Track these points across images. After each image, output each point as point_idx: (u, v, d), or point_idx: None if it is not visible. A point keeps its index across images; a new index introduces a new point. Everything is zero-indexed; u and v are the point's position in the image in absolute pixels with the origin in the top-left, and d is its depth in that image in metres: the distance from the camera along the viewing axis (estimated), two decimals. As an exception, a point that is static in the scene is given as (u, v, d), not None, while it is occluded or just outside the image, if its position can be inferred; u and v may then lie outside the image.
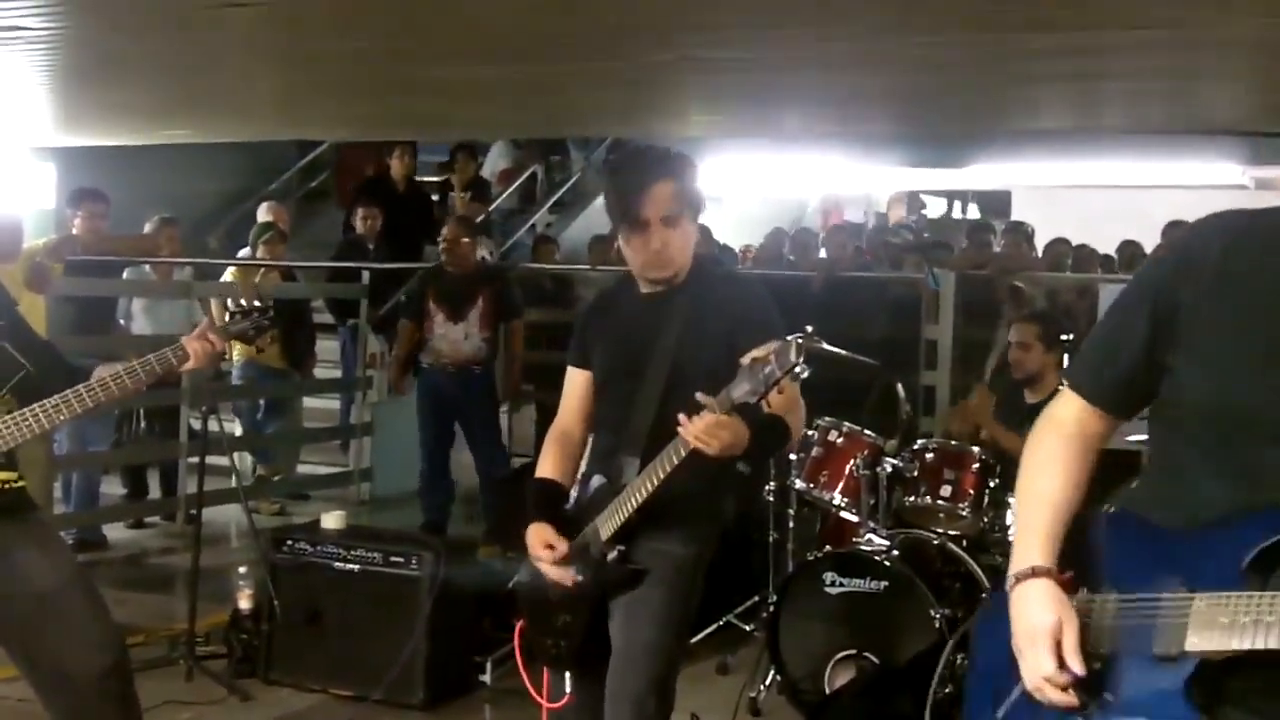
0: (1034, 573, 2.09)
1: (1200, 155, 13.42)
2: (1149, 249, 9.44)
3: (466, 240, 7.98)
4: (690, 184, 3.35)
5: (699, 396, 2.96)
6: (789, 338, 2.99)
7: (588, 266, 10.04)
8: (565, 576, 3.31)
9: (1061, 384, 2.27)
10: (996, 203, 15.72)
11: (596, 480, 3.37)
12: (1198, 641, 1.88)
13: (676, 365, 3.28)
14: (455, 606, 5.30)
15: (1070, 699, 2.00)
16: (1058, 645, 2.02)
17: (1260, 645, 1.81)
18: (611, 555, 3.24)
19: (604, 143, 13.45)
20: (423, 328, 7.92)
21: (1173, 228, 9.31)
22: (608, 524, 3.23)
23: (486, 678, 5.43)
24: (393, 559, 5.28)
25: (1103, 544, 2.13)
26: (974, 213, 16.46)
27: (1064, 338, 5.67)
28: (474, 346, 7.87)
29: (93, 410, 3.57)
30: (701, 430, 2.95)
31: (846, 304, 8.23)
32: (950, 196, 16.93)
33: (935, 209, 16.47)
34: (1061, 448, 2.18)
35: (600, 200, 13.28)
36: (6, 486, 3.55)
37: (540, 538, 3.34)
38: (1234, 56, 6.10)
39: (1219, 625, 1.86)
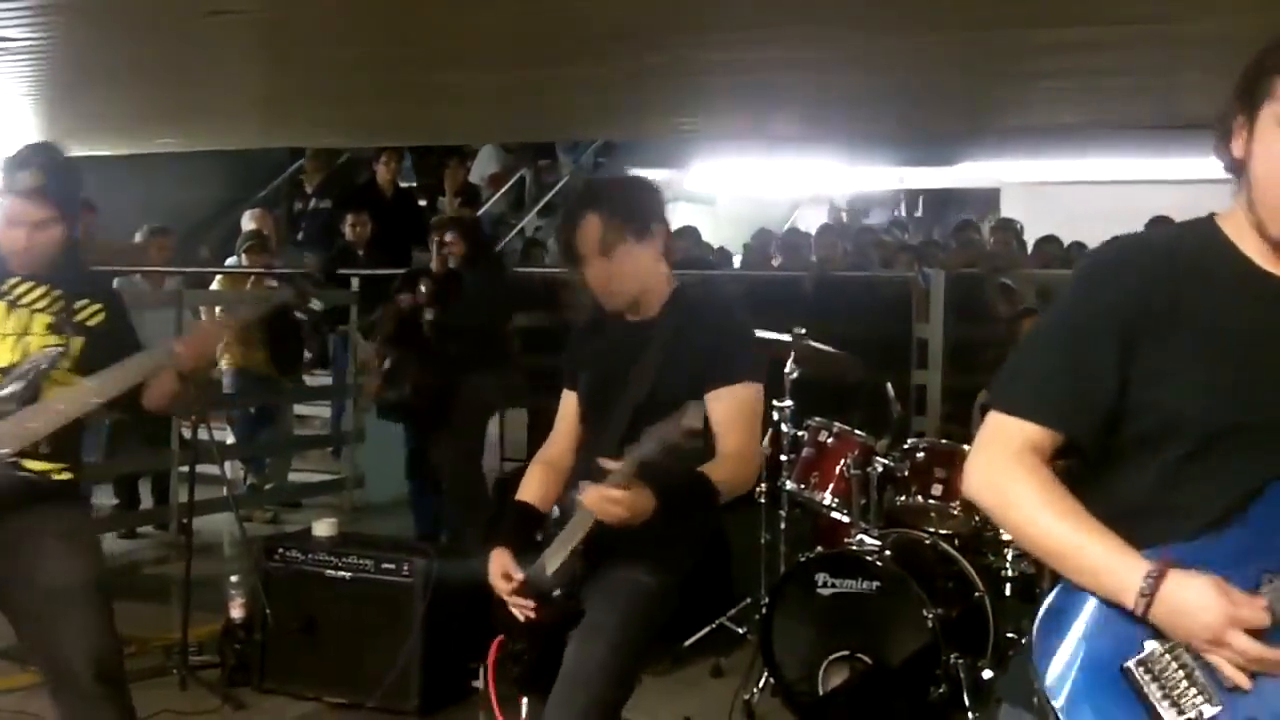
0: (1162, 571, 1.92)
1: (1188, 150, 13.43)
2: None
3: (462, 248, 7.63)
4: (624, 211, 3.25)
5: (601, 462, 2.91)
6: (705, 397, 3.02)
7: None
8: (521, 606, 3.26)
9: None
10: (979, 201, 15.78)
11: (555, 510, 3.33)
12: None
13: (648, 397, 3.18)
14: (449, 612, 5.28)
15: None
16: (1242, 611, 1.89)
17: None
18: (556, 593, 3.19)
19: (592, 146, 13.48)
20: None
21: (1156, 223, 9.33)
22: (554, 558, 3.18)
23: (481, 683, 5.41)
24: (385, 566, 5.27)
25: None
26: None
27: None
28: None
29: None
30: (595, 501, 2.90)
31: (837, 304, 8.23)
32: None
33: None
34: (1044, 479, 2.05)
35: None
36: (51, 477, 3.64)
37: (499, 565, 3.31)
38: (1220, 51, 6.11)
39: None
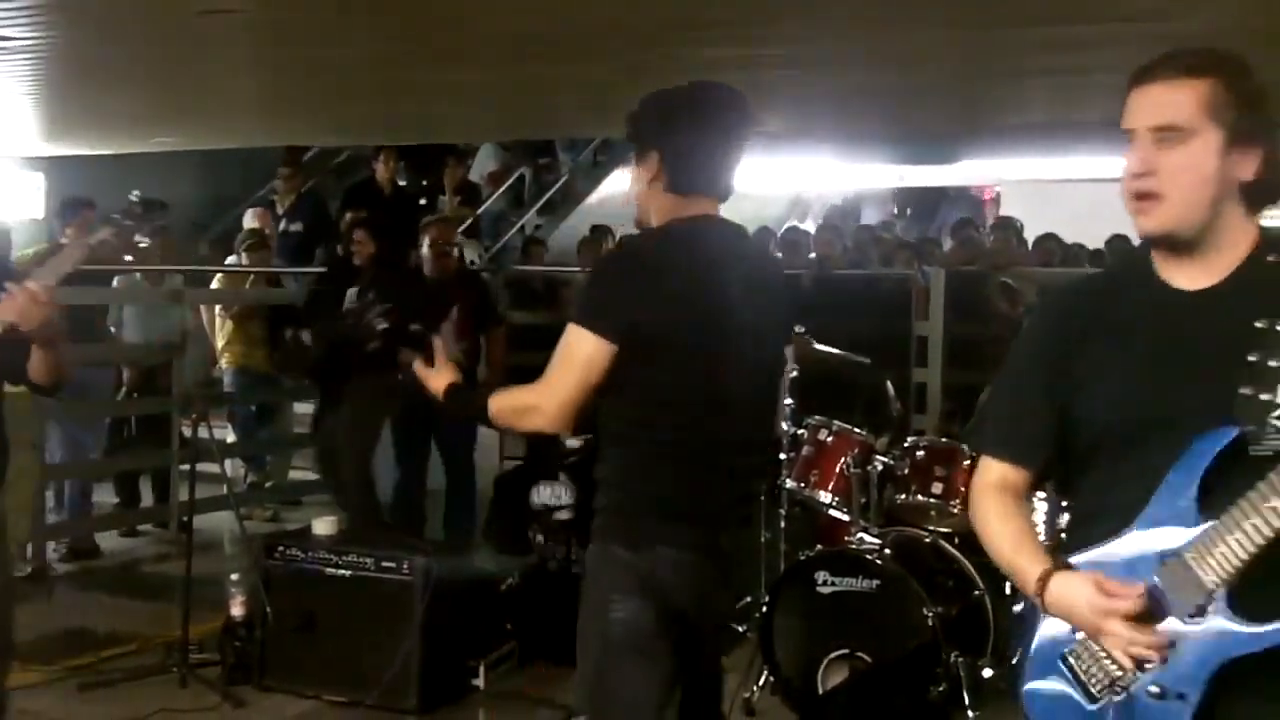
0: (1046, 575, 2.22)
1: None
2: (1138, 243, 9.45)
3: (454, 250, 7.62)
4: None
5: None
6: None
7: (576, 268, 10.03)
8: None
9: None
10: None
11: None
12: (1212, 574, 2.06)
13: None
14: (449, 611, 5.30)
15: (1158, 643, 2.10)
16: (1108, 593, 2.13)
17: (1257, 539, 2.00)
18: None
19: (591, 144, 13.47)
20: None
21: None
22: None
23: (480, 681, 5.42)
24: (385, 564, 5.27)
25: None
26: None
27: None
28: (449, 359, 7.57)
29: None
30: None
31: (837, 301, 8.22)
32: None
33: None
34: (999, 506, 2.41)
35: (588, 201, 13.45)
36: None
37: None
38: (1219, 47, 6.12)
39: (1216, 555, 2.05)
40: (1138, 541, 2.17)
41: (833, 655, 4.89)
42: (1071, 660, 2.25)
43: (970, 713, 4.82)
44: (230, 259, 9.76)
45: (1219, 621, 2.07)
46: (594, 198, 13.50)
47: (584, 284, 3.15)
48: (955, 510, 5.32)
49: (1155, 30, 5.54)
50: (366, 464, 7.14)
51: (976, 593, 5.21)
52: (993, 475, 2.42)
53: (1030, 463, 2.38)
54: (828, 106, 8.73)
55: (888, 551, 5.10)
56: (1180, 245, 2.19)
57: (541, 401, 3.02)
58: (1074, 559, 2.24)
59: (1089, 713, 2.22)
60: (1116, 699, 2.18)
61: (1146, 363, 2.21)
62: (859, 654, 4.77)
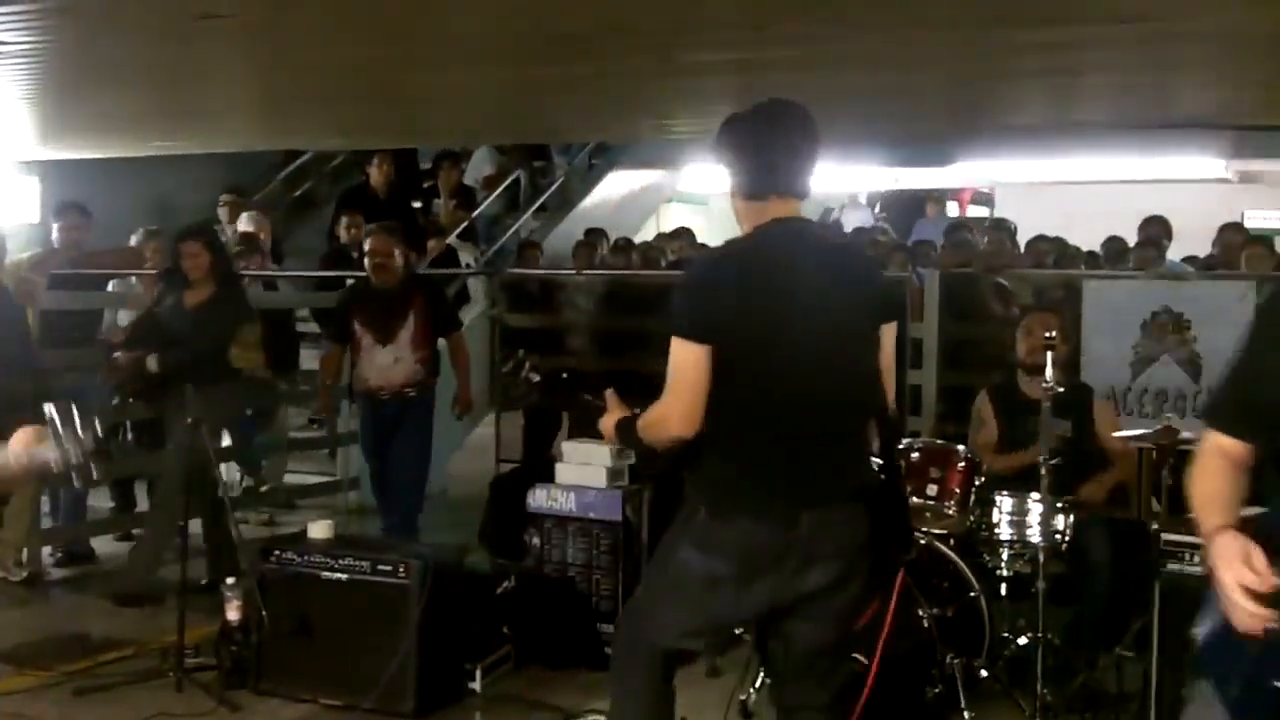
0: (1216, 530, 2.57)
1: (1184, 149, 13.47)
2: (1133, 243, 9.49)
3: (398, 252, 7.26)
4: None
5: None
6: None
7: (572, 271, 10.04)
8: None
9: None
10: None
11: None
12: None
13: None
14: (445, 614, 5.30)
15: (1264, 616, 2.42)
16: (1253, 571, 2.44)
17: None
18: None
19: (586, 147, 13.48)
20: (352, 352, 7.36)
21: (1149, 224, 9.36)
22: None
23: (477, 685, 5.42)
24: (381, 567, 5.28)
25: None
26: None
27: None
28: (407, 370, 7.18)
29: None
30: None
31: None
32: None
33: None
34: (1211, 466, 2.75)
35: (584, 204, 13.46)
36: None
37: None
38: (1213, 49, 6.12)
39: None
40: None
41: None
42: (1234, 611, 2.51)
43: (966, 713, 4.82)
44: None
45: None
46: (589, 201, 13.50)
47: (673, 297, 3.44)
48: (951, 512, 5.34)
49: (1149, 32, 5.54)
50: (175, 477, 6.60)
51: (972, 594, 5.21)
52: (1209, 444, 2.75)
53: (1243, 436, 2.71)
54: (824, 109, 8.72)
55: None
56: None
57: (668, 412, 3.37)
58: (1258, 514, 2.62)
59: (1246, 657, 2.53)
60: (1268, 646, 2.47)
61: None
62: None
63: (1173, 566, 4.44)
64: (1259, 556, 2.45)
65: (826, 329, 3.35)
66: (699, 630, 3.63)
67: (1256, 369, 2.70)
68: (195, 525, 6.41)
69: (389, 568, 5.27)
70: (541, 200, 13.02)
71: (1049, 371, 5.19)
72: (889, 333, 3.50)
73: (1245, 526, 2.58)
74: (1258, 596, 2.42)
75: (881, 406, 3.51)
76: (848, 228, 13.66)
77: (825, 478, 3.40)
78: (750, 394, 3.35)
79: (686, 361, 3.31)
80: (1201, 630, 2.68)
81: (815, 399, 3.36)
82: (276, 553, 5.50)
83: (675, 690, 3.69)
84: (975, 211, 16.64)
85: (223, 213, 10.99)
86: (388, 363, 7.18)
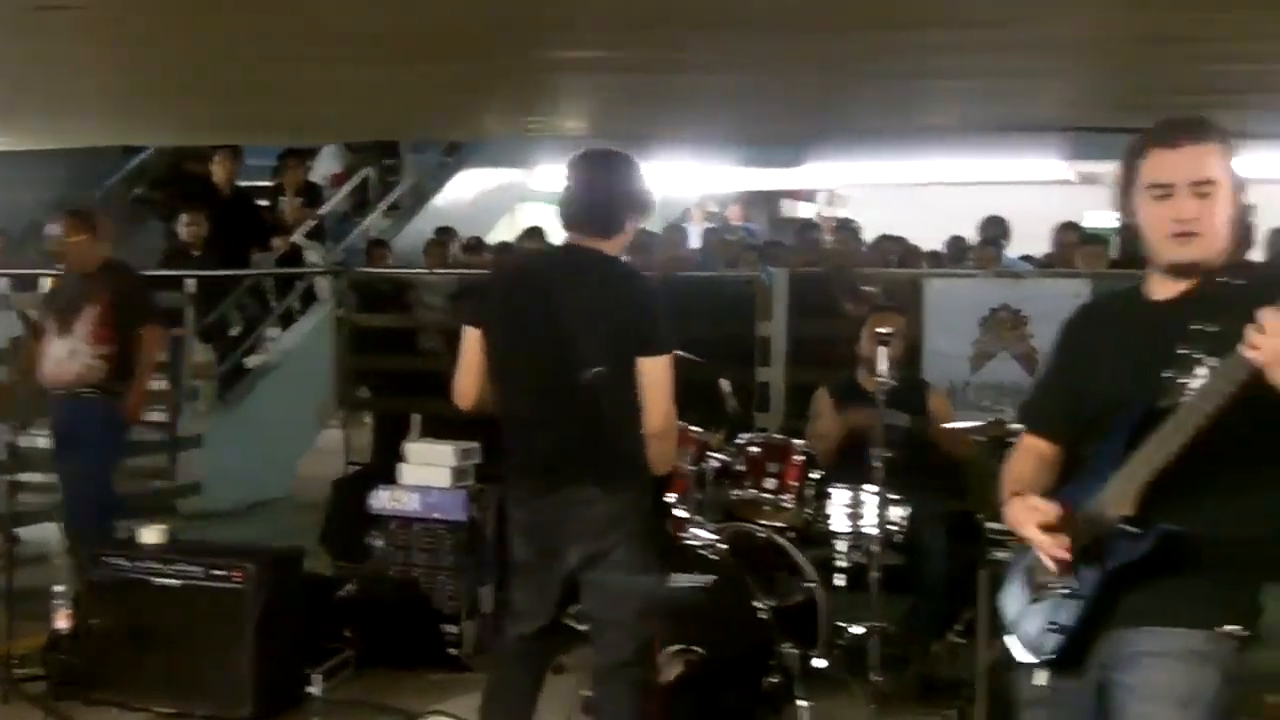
0: (1008, 498, 2.91)
1: (1027, 151, 13.79)
2: (976, 241, 9.69)
3: (80, 238, 6.59)
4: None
5: None
6: None
7: (423, 270, 9.95)
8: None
9: None
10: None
11: None
12: (1115, 500, 2.70)
13: None
14: (283, 618, 5.23)
15: (1062, 543, 2.76)
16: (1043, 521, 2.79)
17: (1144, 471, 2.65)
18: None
19: (438, 146, 13.37)
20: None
21: (988, 224, 9.58)
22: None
23: (317, 689, 5.33)
24: (215, 573, 5.19)
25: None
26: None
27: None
28: (81, 365, 6.42)
29: None
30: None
31: (683, 303, 8.24)
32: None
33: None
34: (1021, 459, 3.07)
35: (436, 203, 13.34)
36: None
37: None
38: (1057, 54, 6.28)
39: (1120, 485, 2.69)
40: (1083, 485, 2.81)
41: (668, 650, 4.90)
42: (1027, 570, 2.91)
43: (803, 702, 4.87)
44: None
45: (1114, 543, 2.69)
46: (441, 199, 13.38)
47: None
48: (789, 505, 5.40)
49: (994, 38, 5.66)
50: None
51: (809, 585, 5.28)
52: (1024, 441, 3.07)
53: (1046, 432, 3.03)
54: (678, 109, 8.77)
55: (724, 546, 5.14)
56: (1193, 270, 2.75)
57: (454, 385, 4.16)
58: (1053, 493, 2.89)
59: (1032, 605, 2.88)
60: (1048, 597, 2.83)
61: (1123, 357, 2.82)
62: (693, 647, 4.79)
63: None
64: (1039, 500, 2.83)
65: (564, 344, 3.88)
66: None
67: (1058, 375, 3.03)
68: (27, 531, 6.23)
69: (223, 573, 5.18)
70: (392, 198, 12.88)
71: (883, 367, 5.28)
72: (649, 365, 3.89)
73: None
74: (1051, 530, 2.78)
75: (624, 422, 3.90)
76: (698, 230, 13.70)
77: (559, 466, 3.94)
78: (501, 396, 4.06)
79: (465, 341, 4.10)
80: (1005, 596, 3.01)
81: (544, 400, 3.96)
82: (107, 558, 5.37)
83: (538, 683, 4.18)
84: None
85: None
86: (62, 355, 6.48)
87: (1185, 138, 2.73)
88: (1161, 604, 2.69)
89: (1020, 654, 2.92)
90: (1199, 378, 2.64)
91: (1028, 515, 2.82)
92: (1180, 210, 2.71)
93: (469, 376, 4.10)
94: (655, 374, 3.90)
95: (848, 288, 8.25)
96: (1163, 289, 2.82)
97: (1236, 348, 2.51)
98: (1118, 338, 2.88)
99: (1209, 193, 2.71)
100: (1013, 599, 2.98)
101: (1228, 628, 2.70)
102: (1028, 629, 2.89)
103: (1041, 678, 2.85)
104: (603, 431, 3.90)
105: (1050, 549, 2.78)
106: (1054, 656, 2.81)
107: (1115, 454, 2.72)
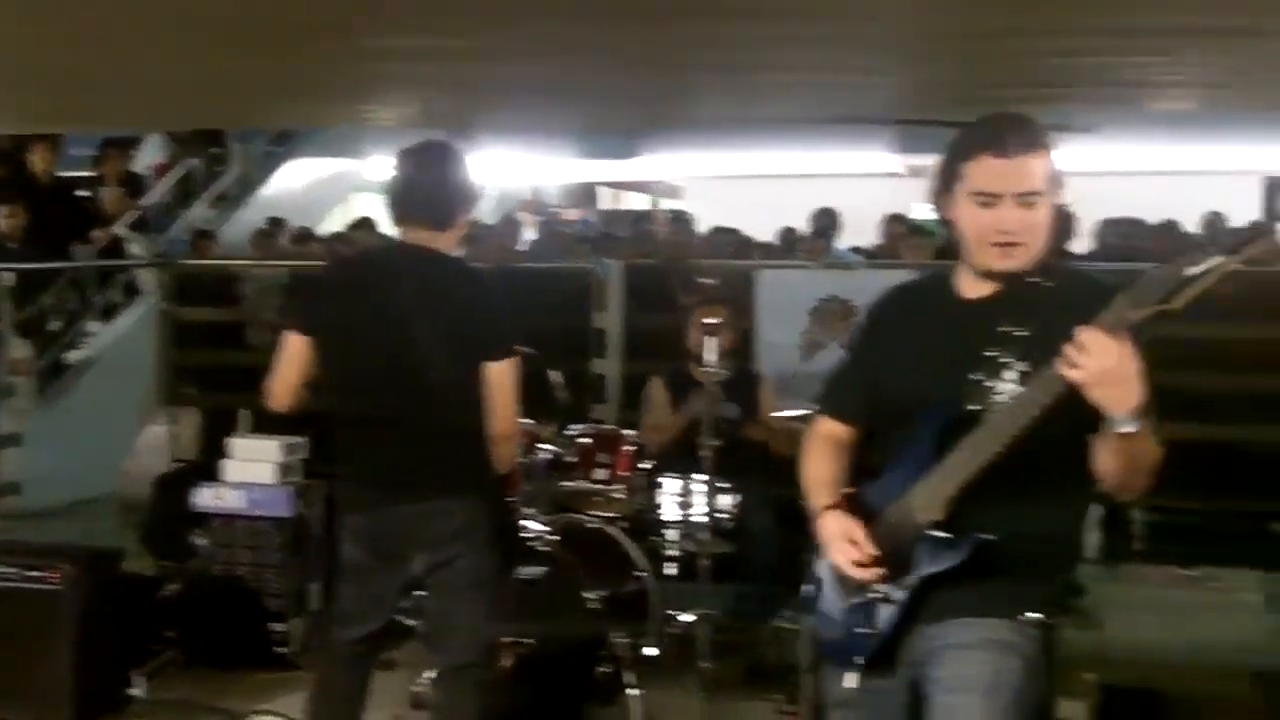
0: (822, 510, 2.91)
1: (858, 145, 14.06)
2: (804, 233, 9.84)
3: None
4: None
5: None
6: None
7: (250, 261, 9.77)
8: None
9: None
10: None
11: None
12: (924, 505, 2.72)
13: None
14: (102, 620, 5.09)
15: (873, 573, 2.79)
16: (852, 544, 2.81)
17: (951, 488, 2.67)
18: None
19: (265, 135, 13.13)
20: None
21: (819, 215, 9.75)
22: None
23: (139, 691, 5.22)
24: (30, 574, 5.02)
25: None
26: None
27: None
28: None
29: None
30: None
31: (518, 295, 8.23)
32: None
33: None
34: (823, 450, 3.07)
35: (264, 193, 13.09)
36: None
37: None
38: (882, 48, 6.39)
39: (930, 490, 2.71)
40: (889, 483, 2.83)
41: (500, 642, 4.90)
42: (835, 570, 2.90)
43: (634, 691, 4.90)
44: None
45: (923, 547, 2.72)
46: (269, 190, 13.14)
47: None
48: (619, 495, 5.44)
49: (827, 32, 5.73)
50: None
51: (640, 574, 5.32)
52: (820, 426, 3.07)
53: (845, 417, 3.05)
54: (509, 98, 8.73)
55: (555, 538, 5.15)
56: (1009, 276, 2.74)
57: (268, 386, 3.98)
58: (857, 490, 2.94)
59: (842, 607, 2.90)
60: (859, 600, 2.86)
61: (928, 353, 2.83)
62: (523, 639, 4.79)
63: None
64: (858, 532, 2.82)
65: (406, 349, 3.77)
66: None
67: (859, 361, 3.03)
68: None
69: (40, 573, 5.02)
70: (218, 189, 12.60)
71: (713, 358, 5.35)
72: (496, 370, 3.81)
73: (848, 501, 2.93)
74: (861, 565, 2.81)
75: (470, 427, 3.81)
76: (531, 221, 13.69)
77: (407, 477, 3.82)
78: (338, 399, 3.94)
79: (287, 345, 3.94)
80: (810, 588, 3.05)
81: (387, 409, 3.83)
82: (-89, 561, 5.17)
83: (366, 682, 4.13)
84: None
85: None
86: None
87: (1016, 147, 2.66)
88: (966, 599, 2.72)
89: (829, 655, 2.97)
90: (1007, 381, 2.65)
91: (843, 548, 2.82)
92: (1004, 221, 2.68)
93: (284, 381, 3.95)
94: (502, 378, 3.82)
95: (682, 279, 8.32)
96: (973, 288, 2.82)
97: (1052, 364, 2.48)
98: (924, 332, 2.88)
99: (1034, 203, 2.68)
100: (821, 600, 2.99)
101: (1030, 616, 2.74)
102: (835, 631, 2.92)
103: (851, 680, 2.86)
104: (450, 439, 3.81)
105: (857, 574, 2.81)
106: (863, 660, 2.84)
107: (922, 455, 2.73)
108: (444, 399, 3.77)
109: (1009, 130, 2.68)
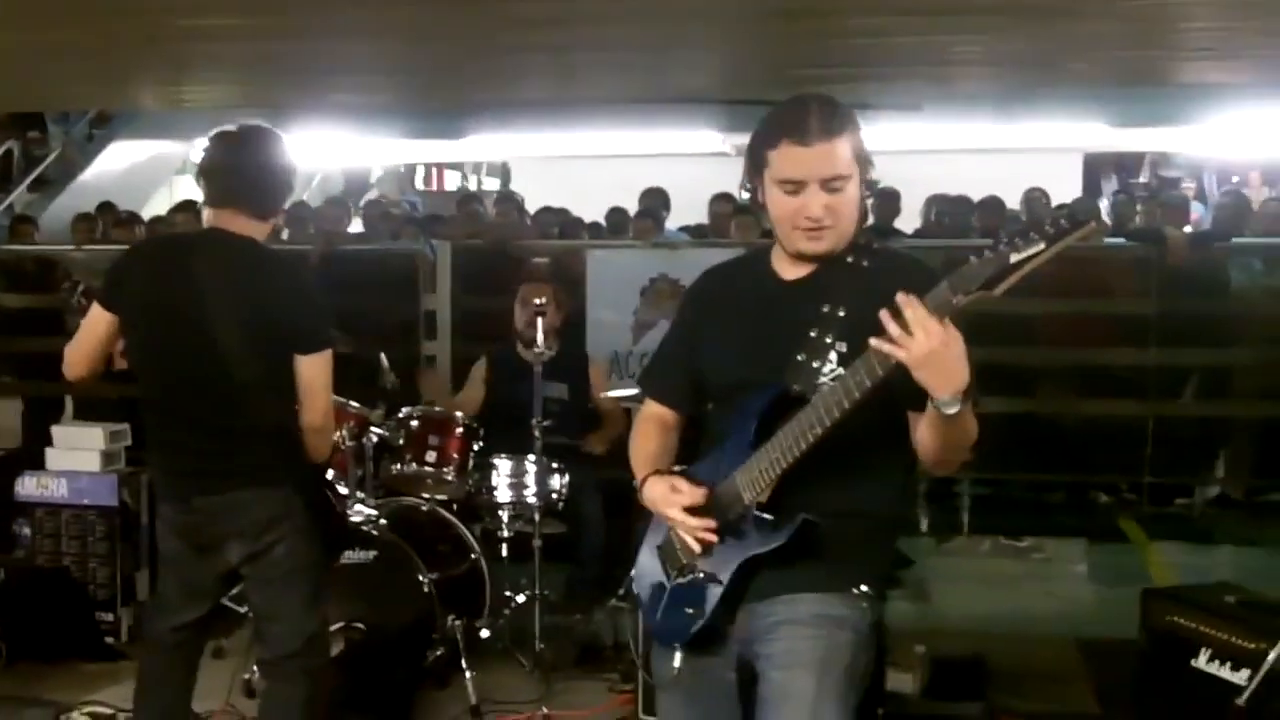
0: (645, 478, 2.93)
1: (684, 124, 14.19)
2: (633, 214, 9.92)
3: None
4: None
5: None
6: None
7: (71, 246, 9.52)
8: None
9: None
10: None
11: None
12: (748, 491, 2.74)
13: None
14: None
15: (708, 525, 2.77)
16: (677, 492, 2.82)
17: (776, 469, 2.68)
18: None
19: (86, 117, 12.78)
20: None
21: (647, 195, 9.85)
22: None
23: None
24: None
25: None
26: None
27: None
28: None
29: None
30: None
31: (345, 277, 8.18)
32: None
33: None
34: (648, 430, 3.11)
35: (85, 177, 12.75)
36: None
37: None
38: (702, 26, 6.45)
39: (751, 477, 2.72)
40: (715, 463, 2.84)
41: (332, 628, 4.89)
42: (662, 550, 2.96)
43: (468, 673, 4.95)
44: None
45: (747, 527, 2.75)
46: (91, 173, 12.80)
47: None
48: (450, 478, 5.47)
49: (647, 7, 5.77)
50: None
51: (473, 556, 5.37)
52: (647, 410, 3.11)
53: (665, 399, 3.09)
54: (327, 79, 8.62)
55: (384, 522, 5.16)
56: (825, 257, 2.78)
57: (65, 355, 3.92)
58: (685, 469, 2.93)
59: (666, 588, 2.93)
60: (683, 580, 2.88)
61: (749, 334, 2.86)
62: (354, 624, 4.79)
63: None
64: (682, 482, 2.84)
65: (212, 340, 3.67)
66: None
67: (684, 346, 3.03)
68: None
69: None
70: (37, 172, 12.24)
71: (540, 338, 5.41)
72: (307, 364, 3.73)
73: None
74: (695, 512, 2.79)
75: (278, 419, 3.76)
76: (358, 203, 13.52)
77: (212, 468, 3.77)
78: (141, 386, 3.85)
79: (91, 316, 3.86)
80: (637, 577, 3.06)
81: (188, 400, 3.76)
82: None
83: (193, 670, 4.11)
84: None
85: None
86: None
87: (817, 134, 2.66)
88: (795, 576, 2.74)
89: (656, 636, 2.99)
90: (829, 362, 2.65)
91: (670, 497, 2.81)
92: (810, 207, 2.69)
93: (81, 350, 3.86)
94: (313, 371, 3.74)
95: (513, 259, 8.34)
96: (790, 269, 2.84)
97: (874, 344, 2.45)
98: (744, 313, 2.89)
99: (840, 187, 2.69)
100: (646, 580, 3.00)
101: (859, 590, 2.78)
102: (661, 612, 2.93)
103: (677, 659, 2.88)
104: (255, 431, 3.73)
105: (697, 532, 2.77)
106: (687, 640, 2.86)
107: (745, 435, 2.73)
108: (246, 392, 3.69)
109: (810, 115, 2.67)
